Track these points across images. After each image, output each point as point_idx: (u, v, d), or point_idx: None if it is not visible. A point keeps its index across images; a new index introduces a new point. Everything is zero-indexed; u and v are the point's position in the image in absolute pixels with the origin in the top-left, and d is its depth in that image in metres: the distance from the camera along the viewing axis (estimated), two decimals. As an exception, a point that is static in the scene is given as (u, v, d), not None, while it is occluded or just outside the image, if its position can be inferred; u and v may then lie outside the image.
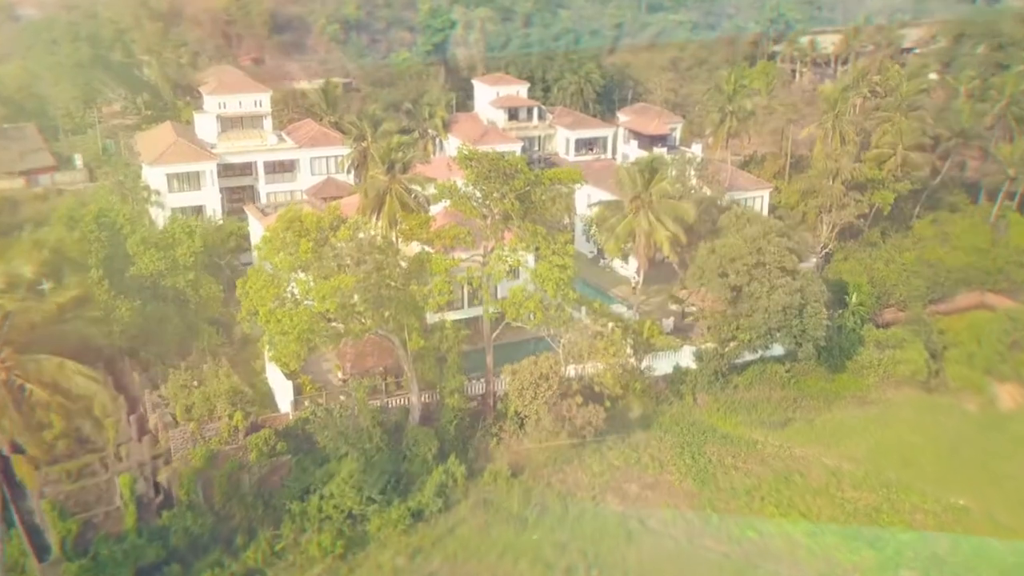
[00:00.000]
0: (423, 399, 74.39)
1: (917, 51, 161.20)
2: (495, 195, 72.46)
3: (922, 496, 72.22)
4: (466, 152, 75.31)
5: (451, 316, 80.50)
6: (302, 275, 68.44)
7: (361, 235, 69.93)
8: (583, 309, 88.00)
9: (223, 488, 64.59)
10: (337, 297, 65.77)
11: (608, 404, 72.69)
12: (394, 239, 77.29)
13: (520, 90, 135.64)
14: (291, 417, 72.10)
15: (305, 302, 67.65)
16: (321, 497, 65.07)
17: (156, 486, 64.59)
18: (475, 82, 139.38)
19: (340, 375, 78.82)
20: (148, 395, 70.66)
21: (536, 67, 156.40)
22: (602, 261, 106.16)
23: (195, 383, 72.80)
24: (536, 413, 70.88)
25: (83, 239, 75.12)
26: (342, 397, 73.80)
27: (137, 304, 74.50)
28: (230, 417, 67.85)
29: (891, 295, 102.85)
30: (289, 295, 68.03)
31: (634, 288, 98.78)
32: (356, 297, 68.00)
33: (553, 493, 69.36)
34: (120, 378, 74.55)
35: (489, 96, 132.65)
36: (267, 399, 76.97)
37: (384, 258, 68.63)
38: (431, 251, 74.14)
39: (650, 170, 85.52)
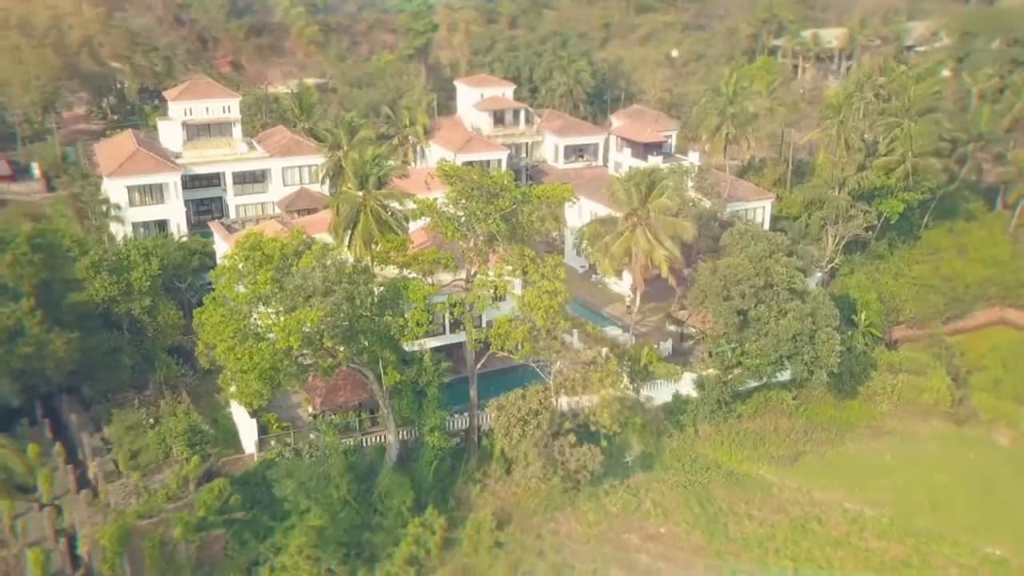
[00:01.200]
0: (401, 436, 67.84)
1: (920, 49, 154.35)
2: (478, 214, 65.84)
3: (955, 546, 65.80)
4: (447, 168, 68.68)
5: (432, 343, 74.08)
6: (264, 308, 61.92)
7: (329, 261, 63.30)
8: (575, 332, 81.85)
9: (155, 560, 56.22)
10: (302, 332, 59.30)
11: (605, 444, 66.02)
12: (369, 262, 70.50)
13: (506, 91, 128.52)
14: (255, 459, 65.25)
15: (268, 335, 61.15)
16: (272, 570, 57.45)
17: (75, 559, 56.13)
18: (457, 83, 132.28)
19: (310, 410, 72.12)
20: (88, 439, 63.47)
21: (523, 66, 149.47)
22: (594, 276, 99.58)
23: (150, 421, 65.91)
24: (525, 456, 64.24)
25: (15, 263, 67.87)
26: (312, 435, 67.10)
27: (77, 335, 67.24)
28: (184, 463, 60.83)
29: (900, 311, 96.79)
30: (250, 329, 61.41)
31: (629, 307, 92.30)
32: (324, 330, 61.47)
33: (544, 547, 62.37)
34: (60, 418, 67.55)
35: (473, 98, 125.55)
36: (231, 437, 70.31)
37: (354, 287, 61.96)
38: (408, 276, 67.73)
39: (647, 184, 78.86)
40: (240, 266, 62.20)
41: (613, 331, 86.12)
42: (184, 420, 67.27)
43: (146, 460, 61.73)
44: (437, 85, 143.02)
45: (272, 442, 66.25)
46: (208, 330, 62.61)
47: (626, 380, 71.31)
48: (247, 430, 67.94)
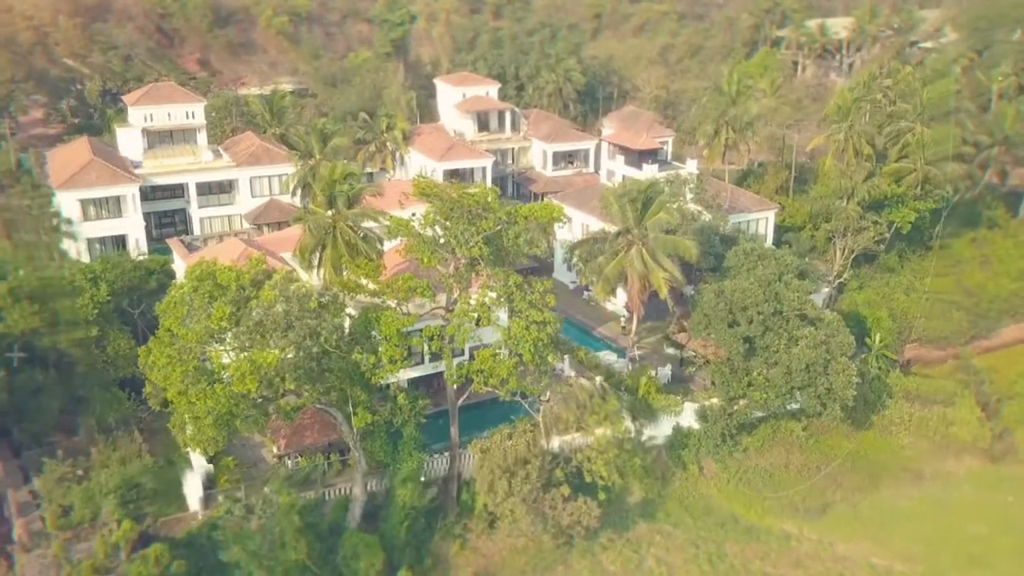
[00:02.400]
0: (371, 486, 60.98)
1: (923, 45, 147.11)
2: (459, 237, 59.08)
3: (995, 609, 59.20)
4: (423, 185, 61.80)
5: (410, 373, 67.61)
6: (218, 346, 55.08)
7: (293, 287, 56.45)
8: (566, 358, 75.19)
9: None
10: (259, 375, 52.52)
11: (603, 496, 59.11)
12: (338, 291, 63.47)
13: (489, 90, 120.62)
14: (200, 517, 58.13)
15: (223, 375, 54.34)
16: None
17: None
18: (438, 82, 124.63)
19: (275, 451, 65.23)
20: (14, 493, 56.19)
21: (508, 63, 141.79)
22: (586, 293, 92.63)
23: (79, 472, 58.31)
24: (511, 512, 57.37)
25: None
26: (270, 486, 59.77)
27: (2, 374, 59.81)
28: (117, 523, 53.39)
29: (914, 329, 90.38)
30: (202, 370, 54.58)
31: (624, 327, 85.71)
32: (285, 372, 54.72)
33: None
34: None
35: (454, 97, 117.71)
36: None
37: (318, 322, 55.09)
38: (381, 304, 60.96)
39: (643, 200, 72.02)
40: (190, 298, 55.39)
41: (608, 356, 79.48)
42: (137, 465, 60.42)
43: (76, 520, 54.28)
44: (416, 84, 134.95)
45: (220, 497, 59.14)
46: (156, 371, 55.95)
47: (628, 422, 64.33)
48: (195, 480, 60.85)
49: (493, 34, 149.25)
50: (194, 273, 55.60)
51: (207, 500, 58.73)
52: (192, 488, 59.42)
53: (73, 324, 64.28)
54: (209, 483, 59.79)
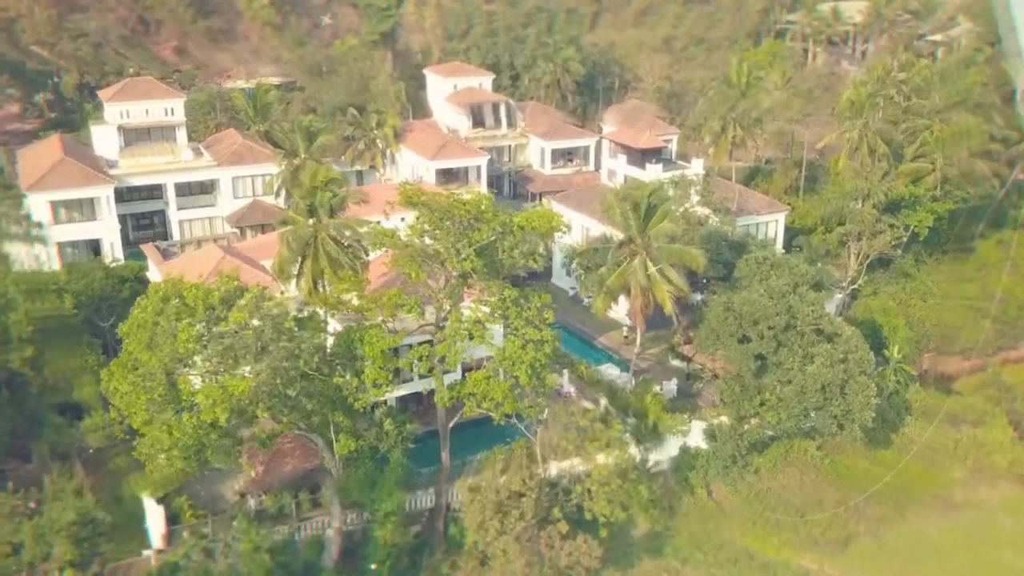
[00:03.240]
0: (351, 520, 56.55)
1: (931, 37, 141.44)
2: (451, 249, 54.45)
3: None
4: (410, 192, 57.00)
5: (398, 391, 62.67)
6: (185, 370, 50.62)
7: (266, 305, 52.00)
8: (565, 373, 70.59)
9: None
10: (231, 403, 48.06)
11: (604, 534, 54.52)
12: (318, 308, 58.83)
13: (482, 82, 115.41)
14: (161, 557, 53.41)
15: (193, 401, 49.90)
16: None
17: None
18: (428, 72, 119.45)
19: (252, 474, 60.48)
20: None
21: (503, 52, 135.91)
22: (586, 300, 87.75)
23: (31, 504, 53.47)
24: (504, 552, 52.80)
25: None
26: (238, 522, 55.07)
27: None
28: (61, 570, 48.68)
29: (931, 338, 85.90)
30: (169, 397, 50.13)
31: (627, 337, 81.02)
32: (259, 399, 50.28)
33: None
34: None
35: (445, 89, 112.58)
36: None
37: (296, 344, 50.62)
38: (364, 320, 56.47)
39: (647, 206, 67.20)
40: (155, 319, 50.82)
41: (610, 371, 74.81)
42: (83, 501, 55.59)
43: (27, 559, 49.59)
44: (406, 74, 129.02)
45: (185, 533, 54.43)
46: (118, 397, 51.54)
47: (632, 448, 59.77)
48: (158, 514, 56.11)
49: (487, 20, 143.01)
50: (158, 293, 51.09)
51: (171, 536, 54.04)
52: (154, 523, 54.60)
53: (25, 341, 59.37)
54: (174, 518, 54.91)
